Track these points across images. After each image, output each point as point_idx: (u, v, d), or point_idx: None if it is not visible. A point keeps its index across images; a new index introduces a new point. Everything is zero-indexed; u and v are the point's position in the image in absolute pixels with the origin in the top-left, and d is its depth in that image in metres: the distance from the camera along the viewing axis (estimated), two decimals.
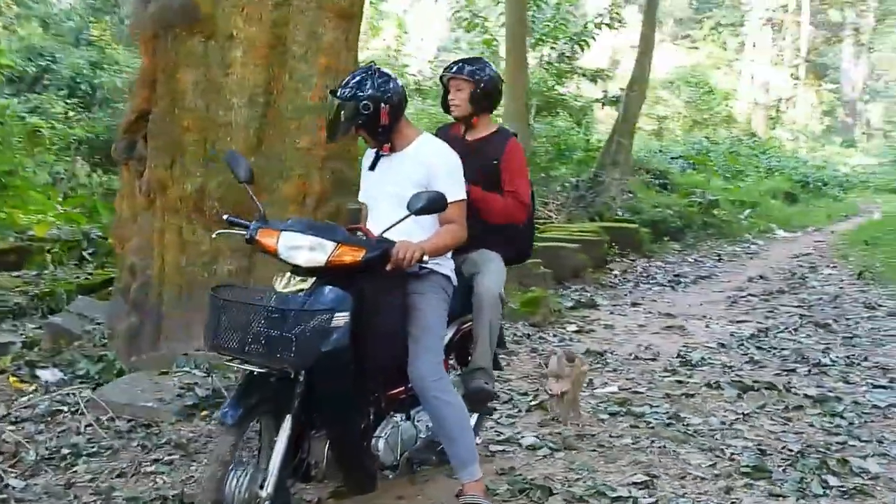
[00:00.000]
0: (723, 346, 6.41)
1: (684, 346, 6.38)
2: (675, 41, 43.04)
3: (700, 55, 38.16)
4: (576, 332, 6.80)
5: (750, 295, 8.65)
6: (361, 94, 3.40)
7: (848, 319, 7.41)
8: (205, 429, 4.41)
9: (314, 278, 3.07)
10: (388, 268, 3.14)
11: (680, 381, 5.36)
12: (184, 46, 5.09)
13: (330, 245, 3.05)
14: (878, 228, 13.88)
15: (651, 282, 9.37)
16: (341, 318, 2.96)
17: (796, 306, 8.02)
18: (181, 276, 5.26)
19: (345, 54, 5.33)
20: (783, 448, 4.21)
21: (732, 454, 4.12)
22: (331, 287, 3.07)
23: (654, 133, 27.48)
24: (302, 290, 3.05)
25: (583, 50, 16.87)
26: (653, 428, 4.48)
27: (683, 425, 4.52)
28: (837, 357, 6.01)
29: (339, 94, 3.45)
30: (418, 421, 3.55)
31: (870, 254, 11.36)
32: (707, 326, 7.17)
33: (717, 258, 11.31)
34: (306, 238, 3.07)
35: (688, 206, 13.20)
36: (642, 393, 5.14)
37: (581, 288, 8.64)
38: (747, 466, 3.95)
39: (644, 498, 3.57)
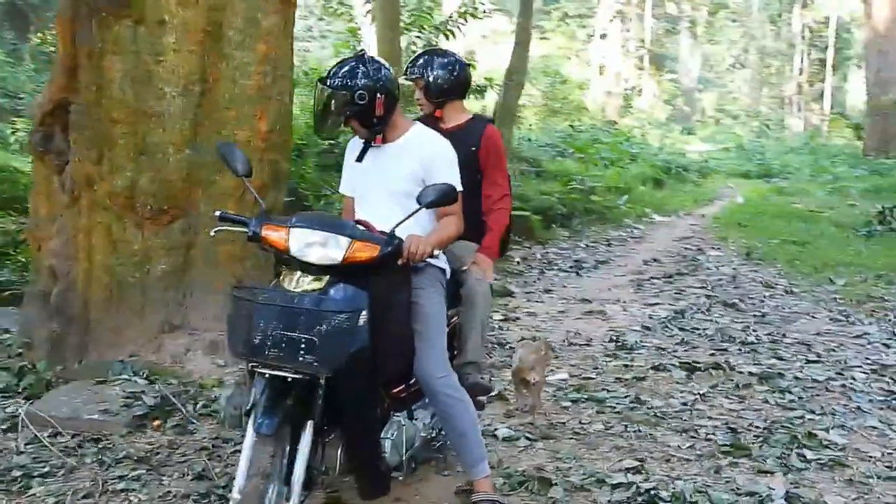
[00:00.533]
0: (648, 328, 6.58)
1: (611, 331, 6.51)
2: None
3: (551, 45, 39.06)
4: (502, 320, 6.82)
5: (652, 278, 8.92)
6: (355, 82, 3.27)
7: (752, 298, 7.77)
8: (162, 440, 4.16)
9: (327, 277, 2.93)
10: (399, 263, 3.05)
11: (626, 366, 5.47)
12: (111, 32, 4.75)
13: (345, 241, 2.92)
14: (744, 212, 14.64)
15: (554, 268, 9.51)
16: (364, 318, 2.85)
17: (700, 287, 8.33)
18: (111, 278, 4.94)
19: (283, 42, 5.14)
20: (750, 425, 4.38)
21: (707, 434, 4.24)
22: (346, 285, 2.95)
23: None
24: (316, 289, 2.91)
25: (448, 39, 16.89)
26: (619, 413, 4.56)
27: (648, 408, 4.62)
28: (760, 336, 6.29)
29: (329, 82, 3.30)
30: (416, 419, 3.47)
31: (746, 236, 11.96)
32: (624, 310, 7.35)
33: (606, 243, 11.62)
34: (320, 234, 2.92)
35: (568, 193, 13.49)
36: (593, 378, 5.22)
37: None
38: (726, 445, 4.09)
39: (643, 482, 3.61)
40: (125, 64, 4.78)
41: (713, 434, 4.24)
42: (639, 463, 3.87)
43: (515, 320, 6.89)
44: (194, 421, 4.38)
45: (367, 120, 3.34)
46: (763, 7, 45.72)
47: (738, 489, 3.58)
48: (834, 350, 5.91)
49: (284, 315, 2.74)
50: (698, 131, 44.69)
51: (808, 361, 5.56)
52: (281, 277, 2.99)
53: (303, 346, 2.69)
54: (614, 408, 4.64)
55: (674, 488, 3.55)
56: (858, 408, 4.66)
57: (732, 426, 4.35)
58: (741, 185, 20.81)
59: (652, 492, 3.52)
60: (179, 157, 4.91)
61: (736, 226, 12.96)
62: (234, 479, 2.81)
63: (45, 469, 3.82)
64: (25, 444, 4.10)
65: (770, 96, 49.34)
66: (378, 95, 3.28)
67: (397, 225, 3.06)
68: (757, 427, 4.35)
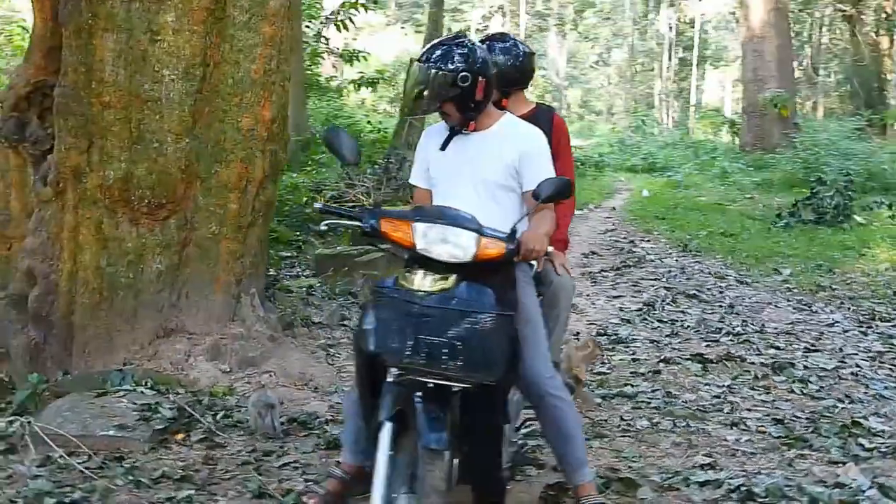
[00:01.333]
0: (627, 321, 6.59)
1: (592, 324, 6.49)
2: (401, 24, 43.94)
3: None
4: None
5: (602, 271, 8.97)
6: (460, 64, 3.07)
7: (709, 289, 7.91)
8: (191, 455, 3.83)
9: (454, 275, 2.73)
10: (517, 260, 2.89)
11: (634, 360, 5.43)
12: (103, 7, 4.34)
13: (474, 238, 2.73)
14: (656, 205, 14.97)
15: None
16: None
17: (654, 280, 8.42)
18: (100, 280, 4.53)
19: (286, 24, 4.83)
20: (793, 416, 4.40)
21: (757, 427, 4.23)
22: (476, 285, 2.76)
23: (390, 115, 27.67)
24: (443, 289, 2.70)
25: (339, 31, 16.60)
26: (658, 409, 4.50)
27: (683, 402, 4.59)
28: (743, 327, 6.40)
29: (431, 62, 3.08)
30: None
31: (670, 228, 12.24)
32: (593, 304, 7.34)
33: None
34: (448, 230, 2.72)
35: None
36: (608, 373, 5.15)
37: None
38: (781, 437, 4.09)
39: (729, 479, 3.55)
40: (118, 43, 4.38)
41: (763, 426, 4.23)
42: (710, 459, 3.81)
43: None
44: (220, 433, 4.05)
45: (464, 104, 3.13)
46: (631, 6, 47.17)
47: (824, 482, 3.56)
48: (820, 339, 6.07)
49: (445, 320, 2.52)
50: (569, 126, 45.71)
51: (808, 350, 5.69)
52: (405, 274, 2.76)
53: (467, 352, 2.48)
54: (649, 403, 4.58)
55: (763, 483, 3.50)
56: (879, 395, 4.77)
57: (777, 418, 4.36)
58: (632, 179, 21.35)
59: (743, 488, 3.46)
60: (178, 146, 4.53)
61: (654, 218, 13.22)
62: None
63: (76, 494, 3.41)
64: (37, 466, 3.68)
65: (638, 94, 50.97)
66: (480, 79, 3.09)
67: (519, 221, 2.91)
68: (797, 417, 4.38)
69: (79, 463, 3.71)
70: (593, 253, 10.23)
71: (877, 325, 6.51)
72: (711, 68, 48.67)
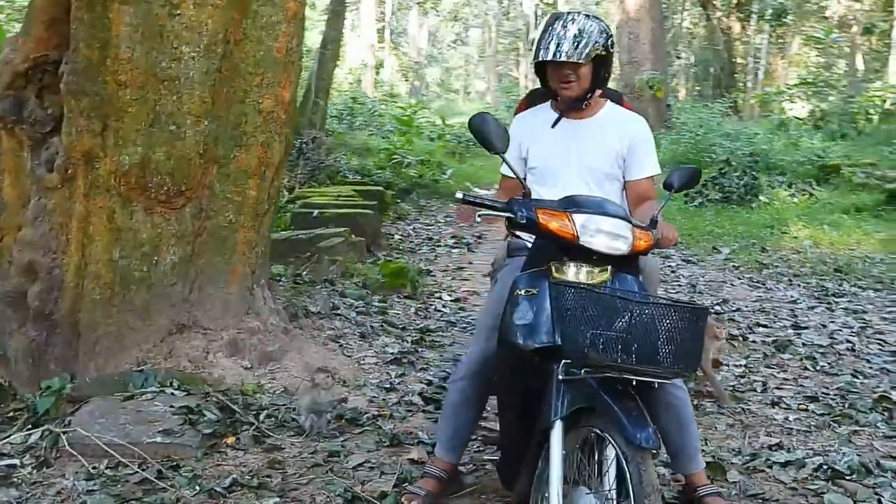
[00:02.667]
0: None
1: None
2: None
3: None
4: (454, 300, 6.62)
5: None
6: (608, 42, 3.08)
7: (660, 269, 8.11)
8: (250, 460, 3.62)
9: (609, 267, 2.68)
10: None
11: None
12: None
13: (630, 229, 2.68)
14: None
15: (440, 245, 9.36)
16: None
17: None
18: (112, 273, 4.20)
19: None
20: (823, 393, 4.57)
21: (797, 406, 4.38)
22: (631, 277, 2.73)
23: None
24: (604, 280, 2.65)
25: None
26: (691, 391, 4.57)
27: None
28: (720, 306, 6.59)
29: (602, 42, 3.07)
30: None
31: None
32: None
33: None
34: (609, 220, 2.66)
35: (395, 166, 13.35)
36: None
37: (386, 255, 8.37)
38: (825, 415, 4.24)
39: (809, 458, 3.66)
40: (135, 17, 4.03)
41: (803, 404, 4.38)
42: (774, 439, 3.91)
43: (465, 299, 6.71)
44: (272, 434, 3.85)
45: (599, 72, 3.13)
46: None
47: (892, 456, 3.72)
48: (795, 315, 6.33)
49: (645, 313, 2.44)
50: (431, 104, 45.98)
51: (796, 328, 5.92)
52: (561, 267, 2.67)
53: (686, 347, 2.42)
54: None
55: (843, 461, 3.62)
56: (885, 369, 5.02)
57: (808, 395, 4.52)
58: None
59: (825, 466, 3.57)
60: (197, 129, 4.23)
61: None
62: (549, 497, 2.48)
63: None
64: (85, 479, 3.39)
65: (499, 73, 51.65)
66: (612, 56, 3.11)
67: (658, 211, 2.88)
68: (827, 394, 4.55)
69: (129, 473, 3.46)
70: None
71: (836, 302, 6.85)
72: None
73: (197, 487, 3.34)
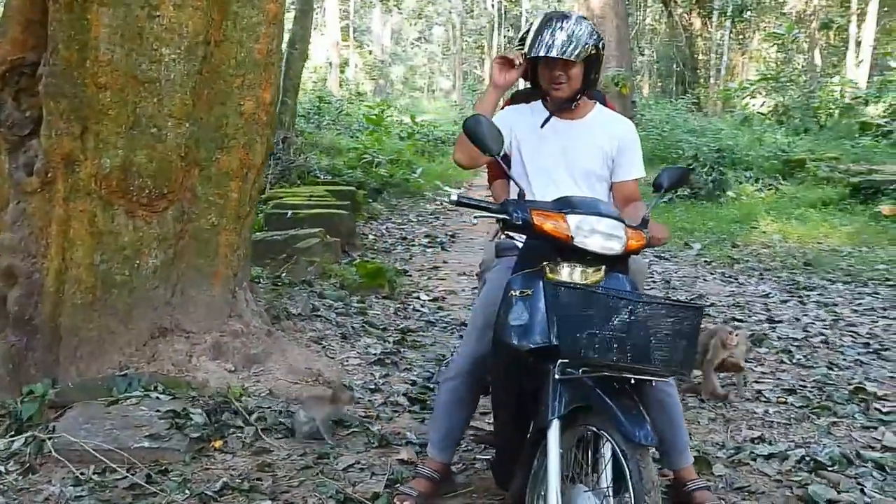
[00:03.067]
0: None
1: None
2: None
3: None
4: (433, 300, 6.63)
5: None
6: (598, 44, 3.13)
7: None
8: (239, 463, 3.61)
9: (603, 267, 2.70)
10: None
11: None
12: None
13: (623, 229, 2.71)
14: None
15: (414, 244, 9.36)
16: None
17: None
18: (94, 278, 4.15)
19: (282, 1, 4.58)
20: (800, 386, 4.65)
21: (776, 399, 4.44)
22: (622, 276, 2.76)
23: None
24: (598, 280, 2.68)
25: None
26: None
27: (694, 377, 4.72)
28: (693, 301, 6.66)
29: (593, 43, 3.11)
30: None
31: None
32: None
33: (432, 216, 11.59)
34: (603, 221, 2.68)
35: (365, 165, 13.32)
36: None
37: (361, 255, 8.36)
38: (803, 408, 4.31)
39: (791, 451, 3.72)
40: (115, 18, 3.99)
41: (782, 398, 4.45)
42: (756, 433, 3.97)
43: (443, 299, 6.73)
44: (260, 437, 3.84)
45: (588, 73, 3.18)
46: None
47: (871, 447, 3.79)
48: (768, 309, 6.42)
49: (640, 312, 2.46)
50: (396, 102, 45.98)
51: (771, 321, 6.01)
52: (555, 268, 2.69)
53: (678, 346, 2.45)
54: None
55: (823, 452, 3.69)
56: (859, 361, 5.11)
57: (786, 388, 4.60)
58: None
59: (807, 458, 3.63)
60: (178, 131, 4.20)
61: None
62: (546, 495, 2.50)
63: None
64: (72, 485, 3.36)
65: (463, 71, 51.71)
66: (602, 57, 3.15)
67: (649, 211, 2.92)
68: (804, 387, 4.63)
69: (118, 479, 3.43)
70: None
71: (807, 295, 6.95)
72: None
73: (187, 492, 3.33)
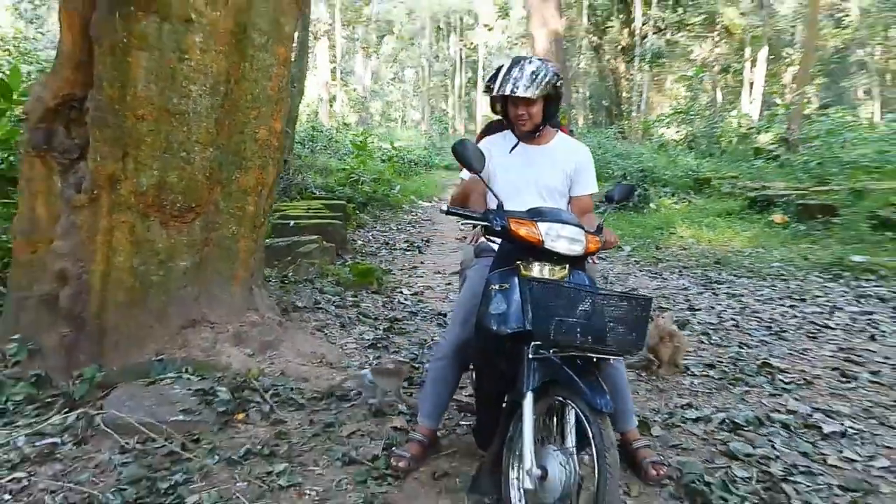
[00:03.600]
0: None
1: None
2: None
3: None
4: (414, 294, 6.58)
5: None
6: (556, 73, 3.10)
7: None
8: (259, 432, 3.54)
9: (567, 266, 2.70)
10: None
11: None
12: (136, 27, 3.87)
13: (584, 234, 2.71)
14: None
15: (396, 249, 9.29)
16: None
17: None
18: (134, 279, 4.07)
19: (292, 44, 4.52)
20: (717, 361, 4.66)
21: (700, 372, 4.46)
22: (582, 273, 2.77)
23: None
24: (563, 277, 2.68)
25: None
26: None
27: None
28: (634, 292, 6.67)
29: (552, 82, 3.09)
30: None
31: None
32: None
33: (410, 225, 11.52)
34: (566, 227, 2.69)
35: (352, 183, 13.22)
36: None
37: (352, 257, 8.29)
38: (723, 380, 4.32)
39: (713, 415, 3.73)
40: (150, 61, 3.92)
41: (704, 371, 4.46)
42: (685, 400, 3.98)
43: (422, 293, 6.68)
44: (277, 411, 3.77)
45: (549, 108, 3.18)
46: (427, 33, 47.64)
47: (778, 410, 3.82)
48: (688, 300, 6.45)
49: (598, 302, 2.47)
50: (375, 131, 45.84)
51: (691, 309, 6.03)
52: (528, 266, 2.69)
53: (635, 328, 2.46)
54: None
55: (740, 415, 3.70)
56: (763, 341, 5.15)
57: (707, 363, 4.61)
58: (452, 177, 21.63)
59: (727, 420, 3.65)
60: (204, 155, 4.14)
61: None
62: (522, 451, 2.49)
63: (177, 476, 3.08)
64: (119, 453, 3.28)
65: (430, 106, 51.66)
66: (561, 94, 3.12)
67: (603, 219, 2.93)
68: (721, 362, 4.64)
69: (157, 447, 3.36)
70: (466, 237, 10.27)
71: (718, 288, 7.00)
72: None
73: (216, 457, 3.26)
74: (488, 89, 3.41)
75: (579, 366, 2.50)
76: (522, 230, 2.66)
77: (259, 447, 3.36)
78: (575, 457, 2.45)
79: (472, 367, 3.48)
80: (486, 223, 2.71)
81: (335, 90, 43.50)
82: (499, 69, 3.37)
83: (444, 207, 2.81)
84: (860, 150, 14.59)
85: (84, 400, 3.73)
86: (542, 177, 3.22)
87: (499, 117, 3.51)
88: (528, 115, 3.14)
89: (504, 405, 2.85)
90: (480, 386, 3.04)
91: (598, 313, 2.43)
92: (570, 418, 2.52)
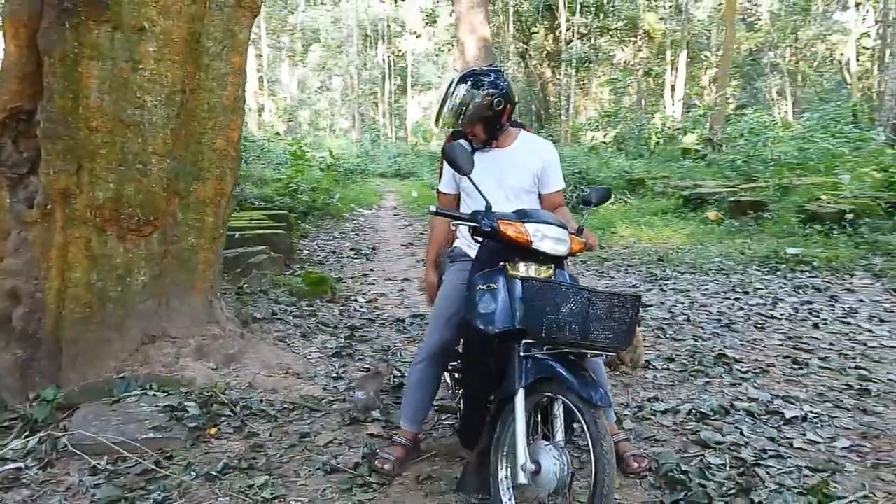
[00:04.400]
0: None
1: None
2: None
3: None
4: (368, 302, 6.56)
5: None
6: (497, 91, 3.09)
7: None
8: (233, 446, 3.48)
9: (552, 265, 2.76)
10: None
11: None
12: (89, 36, 3.77)
13: (568, 235, 2.78)
14: (425, 201, 15.19)
15: (343, 257, 9.20)
16: None
17: None
18: (91, 295, 3.96)
19: (247, 53, 4.46)
20: (676, 355, 4.79)
21: (661, 367, 4.58)
22: (565, 272, 2.83)
23: None
24: (549, 276, 2.73)
25: None
26: None
27: None
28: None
29: (474, 85, 3.07)
30: None
31: None
32: None
33: (353, 233, 11.42)
34: (552, 229, 2.74)
35: (291, 193, 13.06)
36: None
37: (300, 267, 8.19)
38: (684, 371, 4.45)
39: (680, 406, 3.84)
40: (103, 70, 3.82)
41: (665, 365, 4.58)
42: (651, 393, 4.08)
43: (377, 300, 6.66)
44: (249, 424, 3.71)
45: (492, 125, 3.18)
46: (355, 40, 47.42)
47: (740, 399, 3.95)
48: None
49: (589, 300, 2.51)
50: (303, 141, 45.42)
51: (643, 306, 6.17)
52: (513, 266, 2.73)
53: (621, 327, 2.51)
54: None
55: (705, 405, 3.82)
56: (715, 333, 5.32)
57: (666, 357, 4.74)
58: (387, 184, 21.60)
59: (694, 411, 3.76)
60: (161, 166, 4.06)
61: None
62: (516, 447, 2.53)
63: (155, 495, 3.00)
64: (90, 475, 3.18)
65: (358, 114, 51.46)
66: (508, 105, 3.14)
67: (583, 221, 3.01)
68: (679, 355, 4.78)
69: (129, 466, 3.26)
70: (411, 244, 10.30)
71: (665, 284, 7.19)
72: (416, 93, 50.39)
73: (193, 473, 3.19)
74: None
75: (570, 362, 2.55)
76: (511, 231, 2.70)
77: (236, 461, 3.30)
78: (566, 450, 2.49)
79: (450, 367, 3.51)
80: (475, 224, 2.74)
81: (263, 99, 42.95)
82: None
83: (433, 208, 2.85)
84: (782, 148, 15.21)
85: (45, 422, 3.58)
86: (506, 178, 3.25)
87: None
88: (473, 134, 3.20)
89: (490, 405, 2.87)
90: (468, 386, 3.05)
91: (589, 311, 2.47)
92: (559, 413, 2.57)
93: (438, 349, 3.16)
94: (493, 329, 2.63)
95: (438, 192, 3.48)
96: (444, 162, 3.34)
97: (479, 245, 2.93)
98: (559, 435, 2.56)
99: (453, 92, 3.14)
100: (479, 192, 2.80)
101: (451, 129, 3.30)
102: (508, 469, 2.68)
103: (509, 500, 2.67)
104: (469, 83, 3.11)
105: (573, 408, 2.48)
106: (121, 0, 3.81)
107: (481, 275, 2.79)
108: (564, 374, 2.50)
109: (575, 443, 3.14)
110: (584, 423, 2.44)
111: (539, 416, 2.69)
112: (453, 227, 3.19)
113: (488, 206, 2.77)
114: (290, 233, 9.38)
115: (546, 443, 2.56)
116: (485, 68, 3.21)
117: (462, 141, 3.43)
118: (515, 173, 3.27)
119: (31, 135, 3.94)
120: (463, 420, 3.16)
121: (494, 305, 2.66)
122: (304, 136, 46.43)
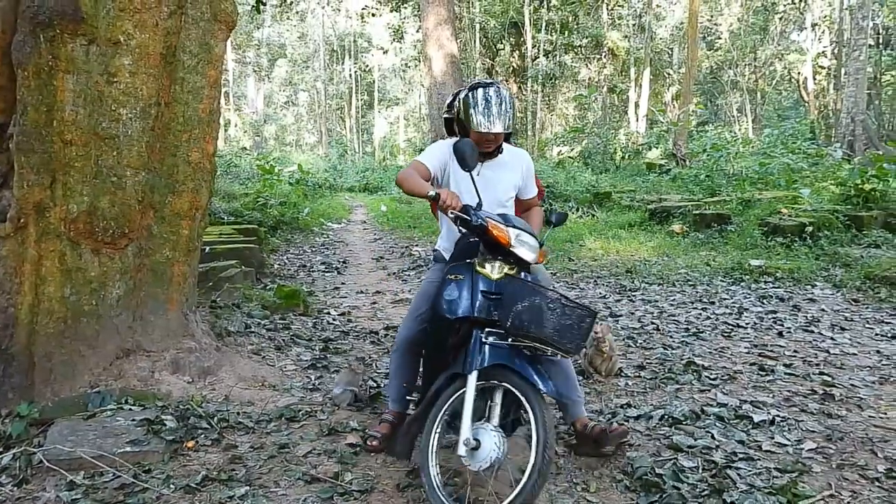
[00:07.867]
0: None
1: None
2: None
3: None
4: (341, 314, 6.57)
5: (402, 272, 9.10)
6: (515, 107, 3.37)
7: None
8: (212, 458, 3.47)
9: (516, 266, 3.01)
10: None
11: None
12: (63, 49, 3.77)
13: (537, 246, 3.07)
14: (400, 215, 15.31)
15: (314, 271, 9.19)
16: None
17: None
18: (65, 309, 3.93)
19: (221, 67, 4.48)
20: (647, 363, 4.88)
21: (633, 374, 4.66)
22: (529, 273, 3.07)
23: None
24: (510, 274, 2.96)
25: None
26: None
27: None
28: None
29: (514, 110, 3.38)
30: None
31: (421, 233, 12.62)
32: None
33: (323, 247, 11.41)
34: (528, 237, 3.02)
35: (260, 207, 13.02)
36: None
37: (271, 281, 8.17)
38: (654, 379, 4.54)
39: (654, 412, 3.92)
40: (77, 84, 3.82)
41: (636, 373, 4.66)
42: (624, 400, 4.16)
43: (349, 313, 6.67)
44: (225, 435, 3.70)
45: (508, 134, 3.48)
46: (320, 56, 47.45)
47: (710, 404, 4.05)
48: (608, 307, 6.71)
49: (553, 301, 2.77)
50: (269, 156, 45.34)
51: (613, 316, 6.27)
52: (480, 263, 2.97)
53: (569, 329, 2.79)
54: None
55: (677, 410, 3.91)
56: (684, 342, 5.43)
57: (637, 365, 4.83)
58: (356, 198, 21.60)
59: (666, 416, 3.84)
60: (136, 179, 4.06)
61: (407, 227, 13.57)
62: (461, 422, 2.72)
63: None
64: (66, 490, 3.15)
65: (325, 129, 51.42)
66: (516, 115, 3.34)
67: (544, 238, 3.25)
68: (650, 363, 4.87)
69: (107, 481, 3.24)
70: (381, 258, 10.32)
71: (634, 295, 7.31)
72: (383, 108, 50.59)
73: (172, 486, 3.17)
74: (449, 111, 3.57)
75: (526, 354, 2.80)
76: (496, 231, 2.94)
77: (215, 473, 3.29)
78: (501, 433, 2.71)
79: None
80: (465, 216, 2.92)
81: (229, 114, 42.75)
82: (456, 95, 3.52)
83: (432, 193, 3.00)
84: (743, 163, 15.55)
85: (20, 439, 3.54)
86: (495, 187, 3.48)
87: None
88: (495, 142, 3.34)
89: (439, 379, 3.02)
90: (427, 364, 3.26)
91: (551, 311, 2.69)
92: (498, 401, 2.80)
93: (411, 337, 3.42)
94: (451, 315, 2.88)
95: (416, 160, 3.52)
96: (439, 146, 3.44)
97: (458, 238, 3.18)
98: (495, 420, 2.77)
99: (498, 96, 3.24)
100: (476, 189, 2.97)
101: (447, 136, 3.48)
102: (437, 437, 2.88)
103: (434, 466, 2.84)
104: (497, 87, 3.27)
105: (518, 394, 2.70)
106: (96, 13, 3.82)
107: (453, 266, 3.05)
108: (517, 361, 2.75)
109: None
110: (528, 406, 2.66)
111: (483, 401, 2.86)
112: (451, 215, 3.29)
113: (479, 204, 2.97)
114: (261, 247, 9.35)
115: (492, 427, 2.73)
116: (486, 80, 3.37)
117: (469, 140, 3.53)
118: (506, 181, 3.47)
119: (4, 148, 3.92)
120: (422, 395, 3.31)
121: (457, 294, 2.90)
122: (271, 151, 46.37)
